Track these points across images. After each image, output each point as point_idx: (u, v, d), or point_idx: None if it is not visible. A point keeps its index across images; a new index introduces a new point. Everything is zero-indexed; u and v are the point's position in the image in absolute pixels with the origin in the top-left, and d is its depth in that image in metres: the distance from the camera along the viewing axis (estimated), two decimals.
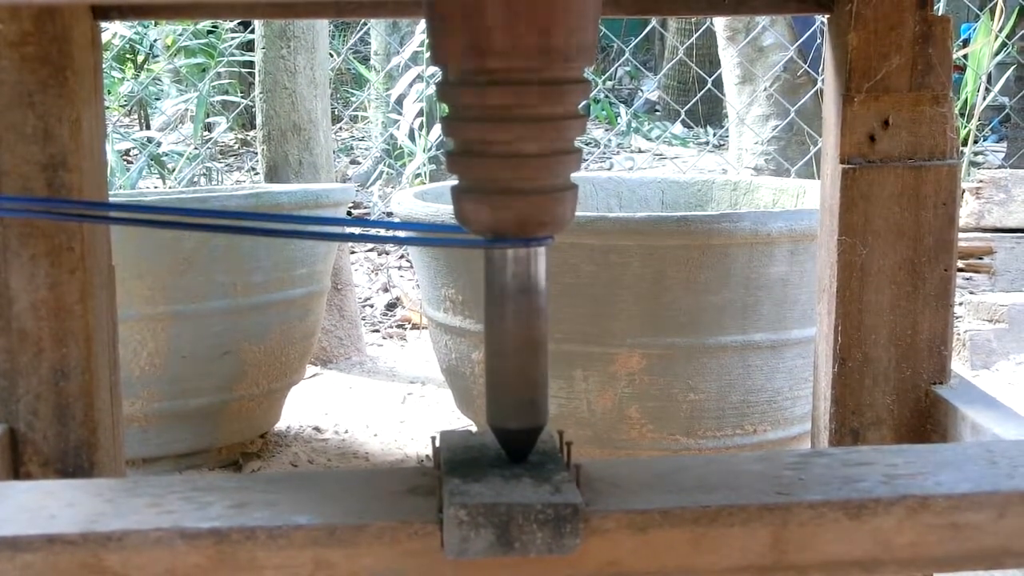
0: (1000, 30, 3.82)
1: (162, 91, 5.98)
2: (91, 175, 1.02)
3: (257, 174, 3.01)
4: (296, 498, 0.77)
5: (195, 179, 4.35)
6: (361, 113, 6.46)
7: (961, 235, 3.42)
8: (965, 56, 3.97)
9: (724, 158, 4.34)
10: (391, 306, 3.32)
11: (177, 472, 2.01)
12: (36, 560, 0.71)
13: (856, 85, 1.15)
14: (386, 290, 3.45)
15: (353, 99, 6.72)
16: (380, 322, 3.18)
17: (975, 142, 4.20)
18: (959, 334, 2.72)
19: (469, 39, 0.75)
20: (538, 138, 0.76)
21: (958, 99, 3.83)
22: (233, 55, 5.11)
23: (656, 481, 0.80)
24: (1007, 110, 5.83)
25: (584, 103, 0.81)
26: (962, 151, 3.62)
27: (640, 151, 6.59)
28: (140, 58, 5.88)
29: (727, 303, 1.62)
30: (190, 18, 4.29)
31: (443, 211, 1.70)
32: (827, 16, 1.20)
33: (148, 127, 5.80)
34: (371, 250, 3.94)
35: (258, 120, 2.78)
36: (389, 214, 2.34)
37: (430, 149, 4.11)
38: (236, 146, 6.47)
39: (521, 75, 0.75)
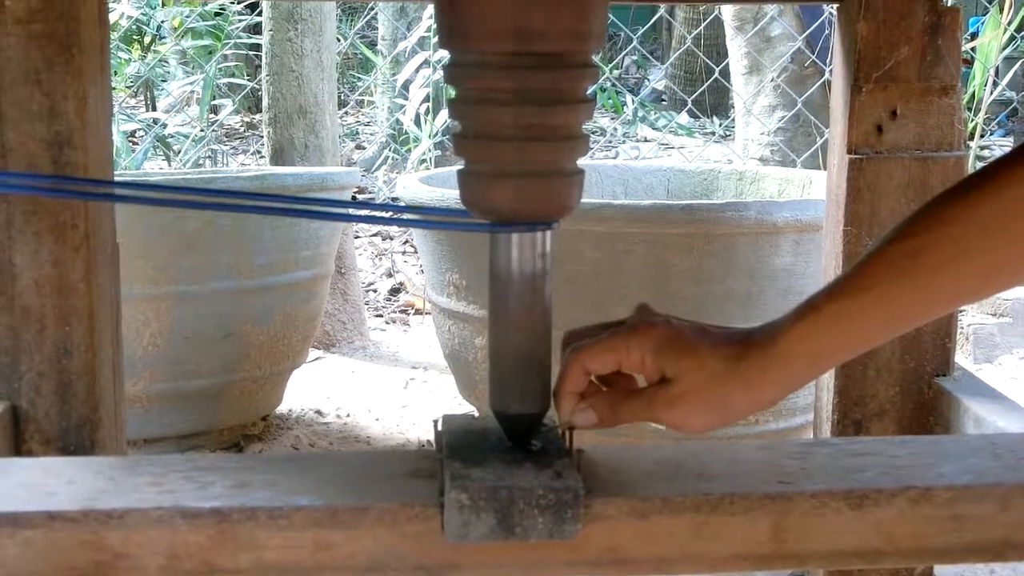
0: (1009, 23, 3.80)
1: (168, 72, 5.96)
2: (97, 153, 1.02)
3: (263, 157, 3.01)
4: (297, 479, 0.77)
5: (200, 161, 4.34)
6: (367, 98, 6.45)
7: None
8: (973, 49, 3.95)
9: (730, 148, 4.33)
10: (395, 291, 3.31)
11: (178, 453, 2.02)
12: (36, 537, 0.71)
13: (864, 75, 1.15)
14: (390, 275, 3.45)
15: (359, 84, 6.70)
16: (383, 307, 3.18)
17: (982, 136, 4.19)
18: (962, 328, 2.71)
19: (478, 22, 0.74)
20: (545, 122, 0.76)
21: (965, 92, 3.81)
22: (240, 37, 5.10)
23: (658, 468, 0.80)
24: (1014, 104, 5.82)
25: (592, 88, 0.80)
26: (968, 145, 3.61)
27: (646, 140, 6.57)
28: (147, 39, 5.87)
29: (731, 292, 1.62)
30: None
31: (448, 195, 1.70)
32: (836, 6, 1.20)
33: (154, 108, 5.78)
34: (375, 235, 3.94)
35: (264, 103, 2.78)
36: (394, 199, 2.34)
37: (436, 135, 4.10)
38: (242, 129, 6.47)
39: (529, 59, 0.75)
